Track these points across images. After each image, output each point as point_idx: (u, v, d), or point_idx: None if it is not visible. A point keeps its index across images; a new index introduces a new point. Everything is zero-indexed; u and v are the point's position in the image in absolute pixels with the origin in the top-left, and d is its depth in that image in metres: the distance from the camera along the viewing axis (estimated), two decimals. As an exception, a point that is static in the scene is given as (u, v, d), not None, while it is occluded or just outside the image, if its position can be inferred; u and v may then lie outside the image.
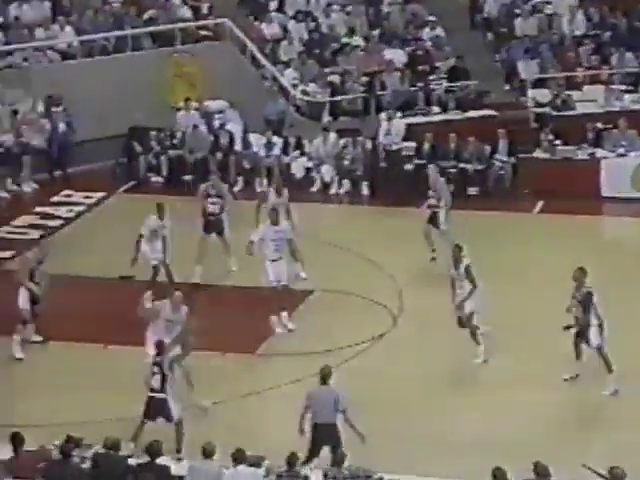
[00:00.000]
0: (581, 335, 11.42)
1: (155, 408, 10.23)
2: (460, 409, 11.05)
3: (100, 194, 17.14)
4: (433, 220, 14.27)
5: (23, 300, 12.22)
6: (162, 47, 19.03)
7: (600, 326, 11.37)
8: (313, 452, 9.76)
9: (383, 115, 17.65)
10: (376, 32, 20.12)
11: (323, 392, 9.85)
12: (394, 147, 17.25)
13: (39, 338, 12.48)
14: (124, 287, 13.50)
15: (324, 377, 9.91)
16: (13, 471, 9.09)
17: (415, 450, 10.24)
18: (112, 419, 10.61)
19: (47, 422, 10.56)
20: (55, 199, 16.95)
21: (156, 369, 10.32)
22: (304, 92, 18.96)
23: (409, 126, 18.11)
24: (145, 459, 9.24)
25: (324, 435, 9.71)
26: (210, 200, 13.99)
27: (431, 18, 20.31)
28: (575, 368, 11.54)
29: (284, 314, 12.68)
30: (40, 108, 17.87)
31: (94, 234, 15.60)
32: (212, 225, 13.96)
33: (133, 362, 11.68)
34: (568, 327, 11.41)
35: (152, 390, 10.29)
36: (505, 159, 17.28)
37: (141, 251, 13.19)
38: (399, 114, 17.96)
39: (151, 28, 19.30)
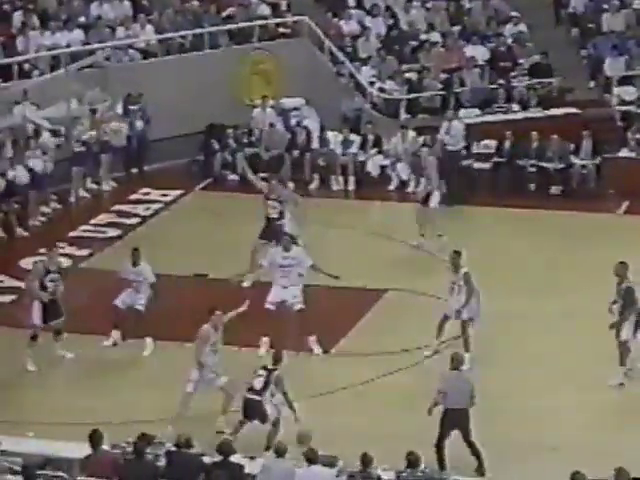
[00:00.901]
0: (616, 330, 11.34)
1: (251, 409, 10.35)
2: (540, 411, 10.87)
3: (177, 192, 17.34)
4: (426, 201, 14.26)
5: (35, 315, 12.15)
6: (239, 44, 19.20)
7: (637, 323, 11.28)
8: (442, 435, 9.94)
9: (449, 114, 17.48)
10: (457, 28, 19.95)
11: (456, 377, 10.08)
12: (452, 147, 17.03)
13: (68, 354, 12.28)
14: (199, 285, 13.65)
15: (457, 362, 10.10)
16: (88, 469, 9.23)
17: (487, 454, 10.12)
18: (190, 416, 10.71)
19: (121, 420, 10.70)
20: (133, 197, 17.18)
21: (263, 372, 10.44)
22: (381, 89, 18.91)
23: (488, 124, 17.94)
24: (218, 457, 9.32)
25: (455, 419, 9.87)
26: (270, 203, 13.73)
27: (514, 14, 20.05)
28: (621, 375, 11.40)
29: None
30: (119, 107, 18.19)
31: (171, 232, 15.80)
32: (269, 231, 13.61)
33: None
34: (612, 326, 11.32)
35: (250, 390, 10.39)
36: (589, 158, 16.96)
37: None
38: (461, 113, 17.52)
39: (229, 26, 19.48)
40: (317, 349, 12.28)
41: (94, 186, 17.57)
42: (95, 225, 16.21)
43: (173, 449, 9.50)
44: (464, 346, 11.91)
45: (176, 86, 18.12)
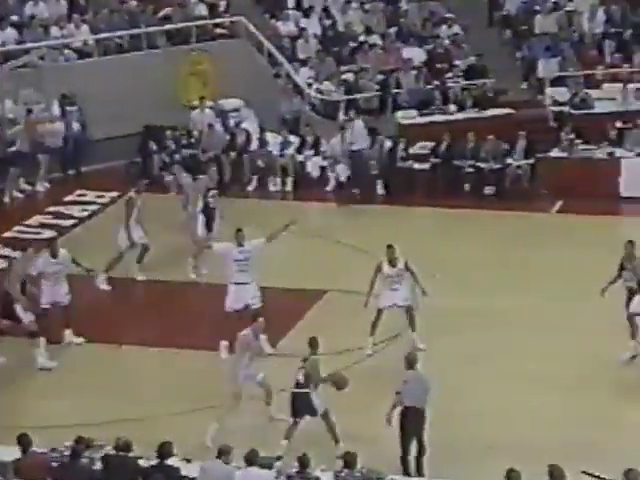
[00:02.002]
0: (628, 303, 11.86)
1: (300, 404, 10.28)
2: (477, 411, 11.00)
3: (113, 193, 17.20)
4: None
5: (24, 314, 11.94)
6: (177, 45, 19.07)
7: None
8: (405, 438, 9.87)
9: (350, 114, 17.62)
10: (393, 30, 20.09)
11: (412, 376, 10.04)
12: (356, 147, 17.18)
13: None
14: (137, 286, 13.53)
15: (411, 362, 10.08)
16: (20, 472, 9.11)
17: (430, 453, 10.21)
18: (122, 420, 10.66)
19: (60, 423, 10.60)
20: (68, 198, 17.02)
21: (303, 364, 10.39)
22: (319, 90, 18.96)
23: (426, 125, 18.10)
24: (155, 460, 9.25)
25: (414, 418, 9.84)
26: (211, 193, 14.08)
27: (449, 15, 20.26)
28: (634, 347, 11.79)
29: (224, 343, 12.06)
30: (55, 108, 17.94)
31: (107, 233, 15.63)
32: (212, 222, 13.93)
33: (145, 363, 11.74)
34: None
35: (297, 385, 10.33)
36: (523, 158, 17.21)
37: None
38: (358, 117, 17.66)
39: (166, 26, 19.35)
40: (268, 348, 12.21)
41: (27, 187, 17.33)
42: (29, 226, 16.02)
43: (111, 452, 9.41)
44: (411, 327, 12.10)
45: (113, 87, 17.96)
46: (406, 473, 9.79)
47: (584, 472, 8.70)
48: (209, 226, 14.02)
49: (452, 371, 11.67)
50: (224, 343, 12.10)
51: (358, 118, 17.55)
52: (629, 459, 9.10)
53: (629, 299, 12.13)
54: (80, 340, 12.46)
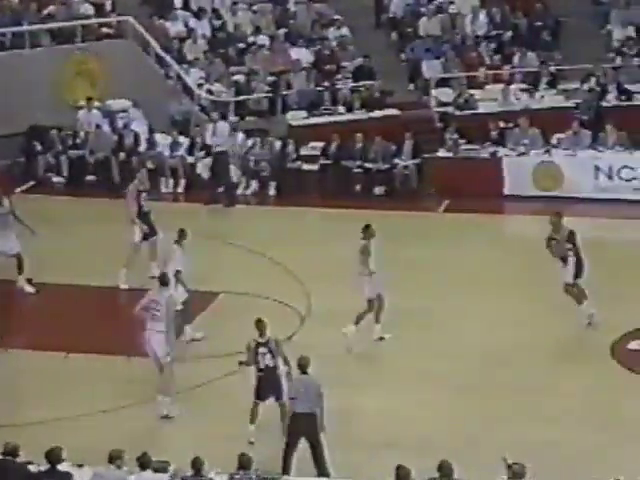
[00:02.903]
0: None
1: (268, 387, 10.21)
2: (368, 410, 11.20)
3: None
4: None
5: None
6: (62, 44, 18.75)
7: (578, 262, 12.38)
8: (291, 443, 9.83)
9: (214, 116, 17.76)
10: (282, 31, 20.22)
11: (304, 381, 9.96)
12: (220, 148, 17.34)
13: None
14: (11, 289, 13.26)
15: (303, 366, 10.02)
16: None
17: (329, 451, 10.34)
18: (7, 425, 10.44)
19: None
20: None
21: (263, 349, 10.31)
22: (209, 92, 18.94)
23: (315, 126, 18.32)
24: (45, 466, 9.13)
25: (303, 425, 9.80)
26: (143, 196, 13.79)
27: (337, 17, 20.51)
28: (587, 309, 12.35)
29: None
30: None
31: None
32: (150, 226, 13.67)
33: (35, 367, 11.51)
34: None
35: (264, 369, 10.24)
36: (410, 159, 17.59)
37: None
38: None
39: (50, 24, 19.00)
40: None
41: None
42: None
43: (-1, 458, 9.25)
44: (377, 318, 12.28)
45: (-4, 85, 17.55)
46: (285, 472, 9.70)
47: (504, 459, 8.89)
48: (150, 230, 13.68)
49: (351, 369, 11.84)
50: None
51: (221, 119, 17.68)
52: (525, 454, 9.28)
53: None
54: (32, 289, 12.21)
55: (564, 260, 12.59)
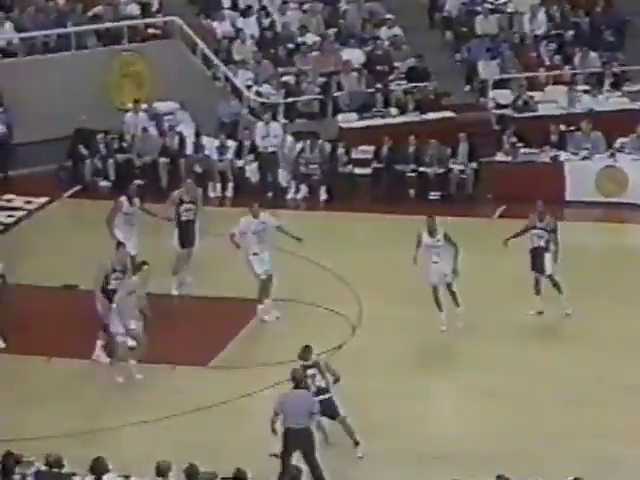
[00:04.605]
0: (536, 263, 12.75)
1: (322, 408, 10.16)
2: (423, 423, 11.08)
3: (43, 199, 16.94)
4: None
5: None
6: (108, 46, 18.89)
7: (556, 253, 12.79)
8: (285, 459, 9.77)
9: (266, 117, 17.82)
10: (332, 31, 20.17)
11: (296, 396, 9.90)
12: (271, 149, 17.36)
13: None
14: (67, 296, 13.34)
15: (298, 381, 9.97)
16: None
17: (379, 465, 10.26)
18: (55, 435, 10.50)
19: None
20: (-5, 203, 16.78)
21: (312, 371, 10.30)
22: (258, 93, 18.94)
23: (366, 128, 18.22)
24: (90, 477, 9.14)
25: (296, 440, 9.72)
26: (184, 207, 13.72)
27: (389, 16, 20.42)
28: (538, 304, 12.65)
29: (267, 301, 12.84)
30: (-22, 108, 17.65)
31: (35, 241, 15.40)
32: (186, 237, 13.60)
33: (78, 375, 11.57)
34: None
35: (317, 393, 10.21)
36: (466, 162, 17.41)
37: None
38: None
39: (96, 25, 19.15)
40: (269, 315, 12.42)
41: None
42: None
43: (43, 469, 9.28)
44: (454, 302, 12.58)
45: (41, 88, 17.71)
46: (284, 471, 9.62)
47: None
48: (184, 240, 13.58)
49: (403, 378, 11.74)
50: (260, 307, 12.65)
51: (273, 120, 17.75)
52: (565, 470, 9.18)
53: (534, 260, 12.86)
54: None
55: (538, 250, 12.90)
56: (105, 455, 9.22)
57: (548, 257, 12.88)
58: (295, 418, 9.78)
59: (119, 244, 13.13)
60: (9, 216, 16.35)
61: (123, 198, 13.85)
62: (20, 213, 16.47)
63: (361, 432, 10.55)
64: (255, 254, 12.88)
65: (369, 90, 19.08)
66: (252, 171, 17.76)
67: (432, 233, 12.72)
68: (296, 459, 9.82)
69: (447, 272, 12.66)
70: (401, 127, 18.08)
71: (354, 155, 17.77)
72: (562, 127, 17.64)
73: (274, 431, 9.85)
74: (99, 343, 12.18)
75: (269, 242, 13.10)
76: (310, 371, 10.36)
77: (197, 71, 18.96)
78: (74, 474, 9.34)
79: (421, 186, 17.27)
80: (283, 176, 17.56)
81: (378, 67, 19.51)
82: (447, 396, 11.62)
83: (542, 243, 12.97)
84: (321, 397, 10.26)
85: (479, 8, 20.47)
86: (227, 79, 19.00)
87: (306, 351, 10.51)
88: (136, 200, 13.90)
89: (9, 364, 12.14)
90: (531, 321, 12.96)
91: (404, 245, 13.22)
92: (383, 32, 20.17)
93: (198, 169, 17.71)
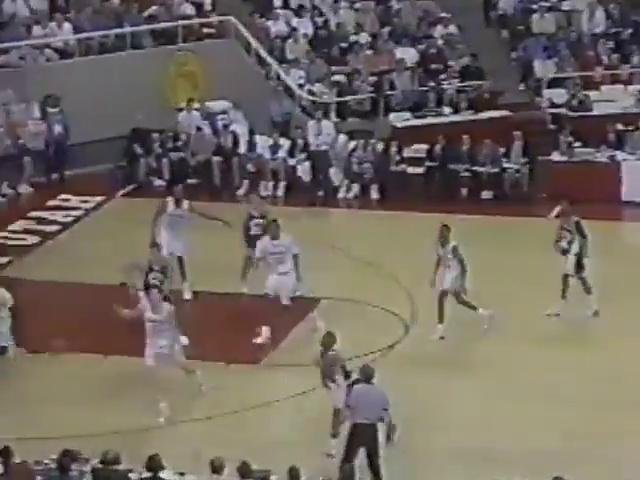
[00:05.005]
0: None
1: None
2: (482, 422, 11.06)
3: (99, 198, 17.18)
4: None
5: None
6: (163, 45, 19.10)
7: (579, 254, 12.83)
8: (350, 454, 9.82)
9: (317, 115, 17.85)
10: (386, 29, 20.19)
11: (369, 391, 9.95)
12: (322, 148, 17.34)
13: None
14: (124, 294, 13.52)
15: (368, 376, 10.00)
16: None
17: (439, 463, 10.27)
18: (109, 432, 10.66)
19: (44, 435, 10.59)
20: (51, 203, 16.98)
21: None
22: (310, 92, 19.02)
23: (419, 127, 18.21)
24: (146, 474, 9.27)
25: (362, 436, 9.76)
26: (254, 222, 13.58)
27: (444, 15, 20.37)
28: (558, 306, 12.62)
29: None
30: (36, 109, 17.92)
31: (92, 240, 15.64)
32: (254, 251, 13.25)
33: (133, 373, 11.73)
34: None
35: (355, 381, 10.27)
36: (520, 162, 17.32)
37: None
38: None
39: (152, 25, 19.37)
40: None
41: (10, 191, 17.30)
42: (12, 232, 15.96)
43: (99, 466, 9.43)
44: (471, 309, 12.54)
45: (97, 88, 17.96)
46: None
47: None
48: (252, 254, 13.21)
49: (458, 378, 11.73)
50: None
51: (325, 118, 17.76)
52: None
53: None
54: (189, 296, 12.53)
55: (564, 252, 12.99)
56: (160, 452, 9.32)
57: (569, 258, 12.86)
58: (366, 413, 9.82)
59: (154, 244, 13.01)
60: (66, 215, 16.59)
61: (169, 199, 13.82)
62: (77, 212, 16.70)
63: (418, 430, 10.57)
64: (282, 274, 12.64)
65: (422, 89, 19.05)
66: (304, 170, 17.85)
67: (444, 244, 12.65)
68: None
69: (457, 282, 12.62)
70: (454, 126, 18.02)
71: (406, 154, 17.77)
72: (619, 127, 17.45)
73: (336, 427, 9.88)
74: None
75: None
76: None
77: (250, 70, 19.09)
78: (130, 471, 9.48)
79: (474, 185, 17.21)
80: (335, 175, 17.63)
81: (432, 66, 19.47)
82: (504, 395, 11.56)
83: (565, 244, 13.02)
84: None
85: (535, 6, 20.33)
86: (280, 78, 19.11)
87: (329, 339, 10.61)
88: (185, 203, 13.79)
89: (66, 362, 12.31)
90: (594, 322, 12.86)
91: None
92: (437, 31, 20.13)
93: (251, 168, 17.85)
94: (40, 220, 16.38)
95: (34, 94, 17.84)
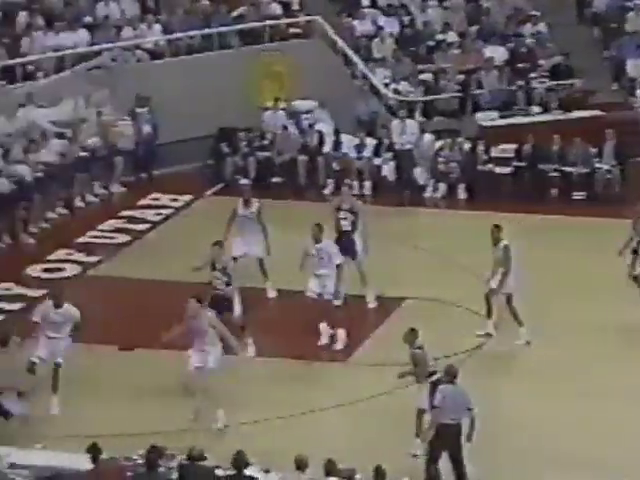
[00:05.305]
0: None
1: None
2: (566, 426, 10.90)
3: (187, 197, 17.41)
4: None
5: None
6: (250, 45, 19.26)
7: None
8: (435, 454, 9.84)
9: (401, 113, 17.78)
10: (474, 28, 20.00)
11: (455, 391, 10.00)
12: (407, 147, 17.20)
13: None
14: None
15: (452, 376, 10.04)
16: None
17: (507, 466, 10.18)
18: (196, 429, 10.79)
19: (126, 431, 10.75)
20: (142, 202, 17.23)
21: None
22: (396, 91, 18.97)
23: (507, 127, 18.00)
24: (232, 470, 9.36)
25: (447, 436, 9.80)
26: (341, 215, 13.31)
27: (534, 13, 20.09)
28: None
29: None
30: (126, 109, 18.24)
31: (181, 238, 15.85)
32: (342, 245, 13.03)
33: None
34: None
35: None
36: (613, 162, 16.97)
37: None
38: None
39: (239, 26, 19.56)
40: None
41: (102, 191, 17.65)
42: (103, 231, 16.26)
43: (186, 462, 9.54)
44: (515, 320, 12.35)
45: (185, 88, 18.20)
46: None
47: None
48: (340, 249, 12.81)
49: (544, 381, 11.59)
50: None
51: (409, 117, 17.71)
52: None
53: (634, 261, 12.81)
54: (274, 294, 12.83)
55: (635, 251, 12.91)
56: (245, 449, 9.39)
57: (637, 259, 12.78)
58: (451, 413, 9.86)
59: (217, 242, 12.75)
60: (156, 214, 16.82)
61: (241, 199, 13.71)
62: (166, 211, 16.90)
63: (505, 432, 10.44)
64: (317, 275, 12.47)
65: (510, 88, 18.83)
66: (389, 169, 17.80)
67: (495, 243, 12.54)
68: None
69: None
70: (543, 126, 17.79)
71: (494, 154, 17.61)
72: None
73: (419, 428, 9.95)
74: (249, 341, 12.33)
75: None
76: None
77: (336, 70, 19.13)
78: (217, 467, 9.57)
79: (564, 186, 16.95)
80: (420, 174, 17.55)
81: (521, 65, 19.23)
82: (596, 397, 11.37)
83: (634, 245, 12.99)
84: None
85: (630, 4, 19.90)
86: (365, 77, 19.10)
87: (412, 334, 10.62)
88: (254, 203, 13.57)
89: (153, 359, 12.47)
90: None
91: (545, 246, 13.01)
92: (527, 29, 19.87)
93: (336, 167, 17.88)
94: (130, 219, 16.63)
95: (125, 95, 18.17)
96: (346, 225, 13.37)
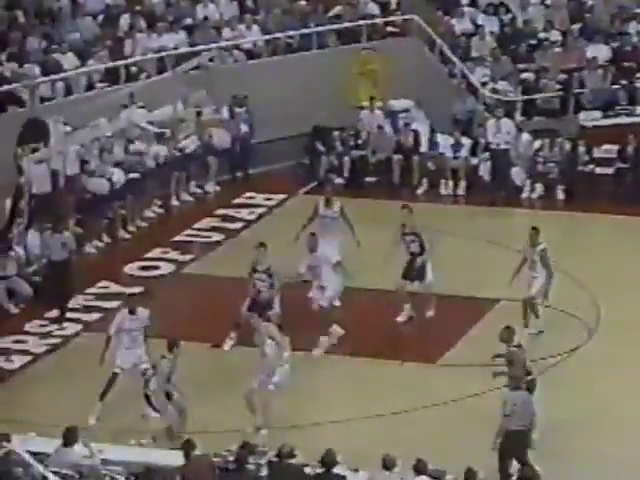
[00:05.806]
0: None
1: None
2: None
3: (281, 195, 17.54)
4: None
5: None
6: (347, 44, 19.31)
7: None
8: (504, 462, 9.78)
9: (498, 112, 17.50)
10: (577, 26, 19.62)
11: (523, 397, 9.96)
12: (503, 146, 16.91)
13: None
14: (305, 290, 13.77)
15: (516, 383, 10.02)
16: (187, 478, 9.39)
17: (606, 472, 9.94)
18: (283, 427, 10.86)
19: (217, 429, 10.84)
20: (237, 201, 17.43)
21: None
22: (494, 90, 18.75)
23: (610, 127, 17.60)
24: (320, 469, 9.39)
25: (514, 443, 9.72)
26: (408, 239, 12.89)
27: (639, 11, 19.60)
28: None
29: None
30: (224, 110, 18.50)
31: (272, 237, 15.93)
32: (406, 269, 12.90)
33: (309, 367, 11.91)
34: None
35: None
36: None
37: None
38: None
39: (336, 25, 19.63)
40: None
41: (197, 190, 17.93)
42: (199, 229, 16.48)
43: (275, 459, 9.62)
44: (532, 312, 12.33)
45: (282, 87, 18.34)
46: None
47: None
48: (405, 272, 12.74)
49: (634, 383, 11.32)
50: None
51: (504, 116, 17.47)
52: None
53: None
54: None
55: None
56: (334, 448, 9.41)
57: None
58: (519, 420, 9.81)
59: (261, 244, 12.56)
60: (250, 213, 16.98)
61: (322, 199, 13.46)
62: (260, 210, 17.03)
63: (603, 434, 10.21)
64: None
65: (614, 87, 18.40)
66: (486, 169, 17.61)
67: (533, 245, 12.39)
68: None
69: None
70: (647, 126, 17.36)
71: (596, 154, 17.26)
72: None
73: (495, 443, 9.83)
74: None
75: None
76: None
77: (433, 68, 19.02)
78: (306, 465, 9.60)
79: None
80: (517, 174, 17.30)
81: (625, 64, 18.78)
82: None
83: None
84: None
85: None
86: (463, 76, 18.94)
87: (508, 332, 10.54)
88: (336, 204, 13.34)
89: (239, 357, 12.52)
90: None
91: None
92: (632, 27, 19.39)
93: (431, 166, 17.77)
94: (225, 217, 16.85)
95: (223, 94, 18.42)
96: (413, 248, 12.98)
